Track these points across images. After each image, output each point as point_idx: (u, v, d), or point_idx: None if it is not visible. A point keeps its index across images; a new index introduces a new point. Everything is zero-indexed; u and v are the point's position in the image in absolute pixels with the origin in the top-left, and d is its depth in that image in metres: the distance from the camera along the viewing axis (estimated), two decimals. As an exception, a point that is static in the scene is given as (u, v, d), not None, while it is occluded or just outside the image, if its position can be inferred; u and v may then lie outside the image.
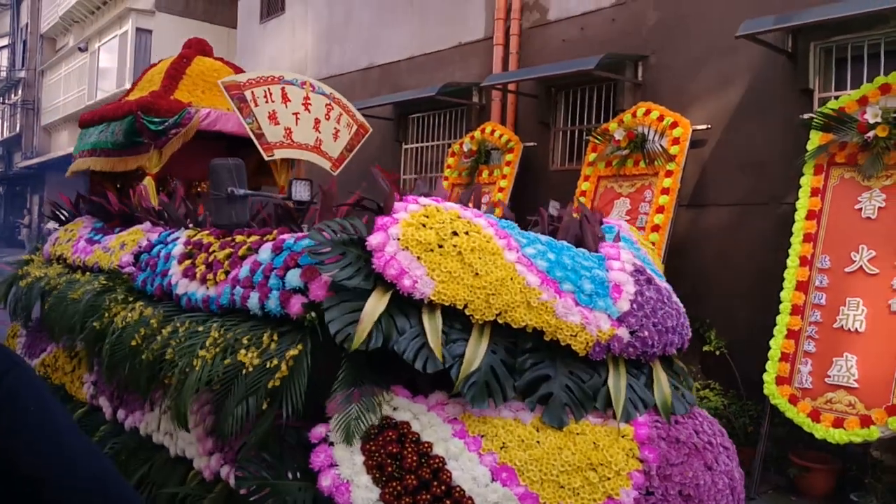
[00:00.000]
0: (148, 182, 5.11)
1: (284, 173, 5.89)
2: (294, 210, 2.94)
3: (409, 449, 2.43)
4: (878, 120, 4.77)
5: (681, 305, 2.95)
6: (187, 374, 2.81)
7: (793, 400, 4.84)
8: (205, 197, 5.75)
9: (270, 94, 3.11)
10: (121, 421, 3.72)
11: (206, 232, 3.54)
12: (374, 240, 2.59)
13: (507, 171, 7.53)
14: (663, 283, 2.92)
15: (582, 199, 6.41)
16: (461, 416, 2.56)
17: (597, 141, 6.69)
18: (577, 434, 2.53)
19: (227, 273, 3.07)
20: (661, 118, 6.26)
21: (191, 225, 3.79)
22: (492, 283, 2.55)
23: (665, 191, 6.09)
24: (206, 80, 5.55)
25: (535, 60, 7.98)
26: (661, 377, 2.75)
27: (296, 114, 3.23)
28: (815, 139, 5.17)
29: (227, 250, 3.16)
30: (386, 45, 10.28)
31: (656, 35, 6.86)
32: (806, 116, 5.41)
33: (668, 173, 6.11)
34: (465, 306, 2.54)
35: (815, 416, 4.67)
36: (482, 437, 2.51)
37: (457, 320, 2.59)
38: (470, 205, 2.95)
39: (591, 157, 6.80)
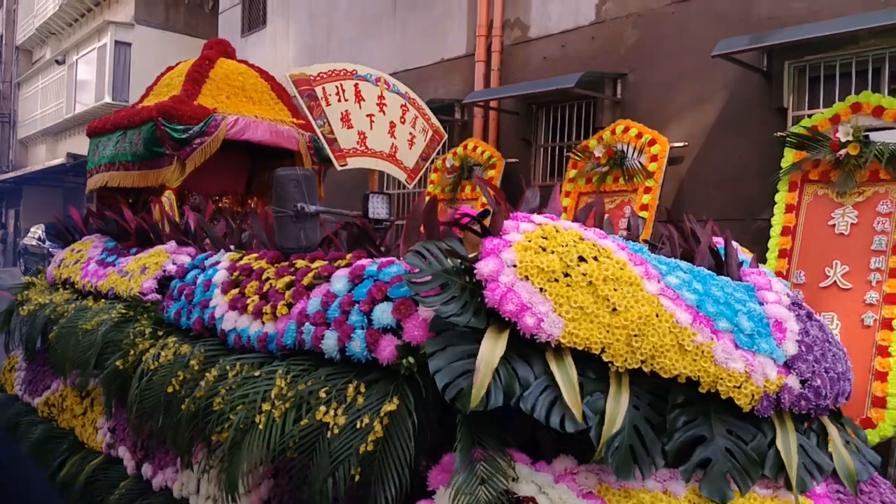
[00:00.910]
0: (168, 196, 4.59)
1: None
2: (372, 230, 2.43)
3: (541, 534, 1.92)
4: (850, 138, 4.90)
5: (842, 344, 2.46)
6: (245, 432, 2.29)
7: (771, 413, 4.68)
8: (226, 212, 5.22)
9: (343, 90, 2.60)
10: (147, 477, 3.18)
11: (254, 255, 3.01)
12: (485, 267, 2.09)
13: None
14: (823, 319, 2.42)
15: (563, 215, 6.31)
16: (597, 489, 2.04)
17: (577, 158, 6.73)
18: (747, 511, 2.02)
19: (289, 306, 2.54)
20: (639, 135, 6.32)
21: (232, 247, 3.26)
22: (634, 322, 2.04)
23: (644, 207, 6.10)
24: (230, 85, 5.05)
25: (516, 77, 8.03)
26: (834, 435, 2.25)
27: (370, 115, 2.73)
28: (790, 157, 5.28)
29: (287, 278, 2.64)
30: (368, 61, 9.93)
31: (635, 53, 6.92)
32: (780, 134, 5.49)
33: (647, 190, 6.14)
34: (602, 350, 2.03)
35: (793, 429, 4.53)
36: (628, 516, 2.00)
37: (587, 367, 2.08)
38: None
39: (571, 173, 6.82)
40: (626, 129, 6.42)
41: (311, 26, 11.39)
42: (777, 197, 5.28)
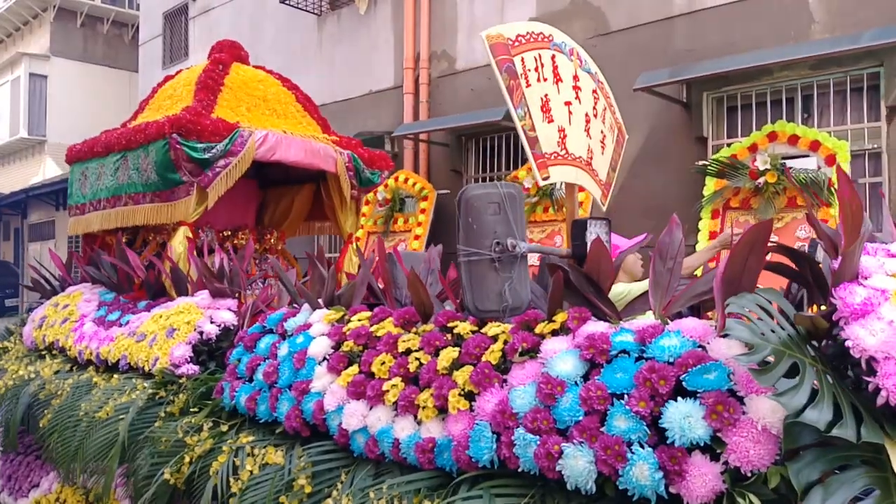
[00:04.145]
0: (185, 234, 3.63)
1: (351, 216, 4.48)
2: (611, 273, 1.56)
3: None
4: (768, 166, 5.03)
5: None
6: None
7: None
8: (242, 252, 4.26)
9: (542, 65, 1.74)
10: None
11: (366, 313, 2.11)
12: (868, 337, 1.26)
13: (423, 218, 7.43)
14: None
15: None
16: None
17: None
18: None
19: (468, 397, 1.66)
20: None
21: (321, 300, 2.33)
22: None
23: (573, 236, 5.92)
24: (250, 94, 4.14)
25: (444, 108, 8.05)
26: None
27: (568, 104, 1.85)
28: (711, 185, 5.42)
29: (450, 351, 1.75)
30: (295, 93, 9.86)
31: None
32: (701, 163, 5.62)
33: (576, 219, 6.01)
34: None
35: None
36: None
37: None
38: None
39: None
40: (556, 160, 6.48)
41: (235, 58, 10.98)
42: (700, 224, 5.35)
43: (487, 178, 7.73)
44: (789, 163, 5.04)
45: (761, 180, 5.08)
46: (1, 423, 3.63)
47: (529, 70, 1.78)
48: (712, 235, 5.25)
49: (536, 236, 6.54)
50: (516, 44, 1.77)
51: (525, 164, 6.67)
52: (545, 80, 1.84)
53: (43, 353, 3.80)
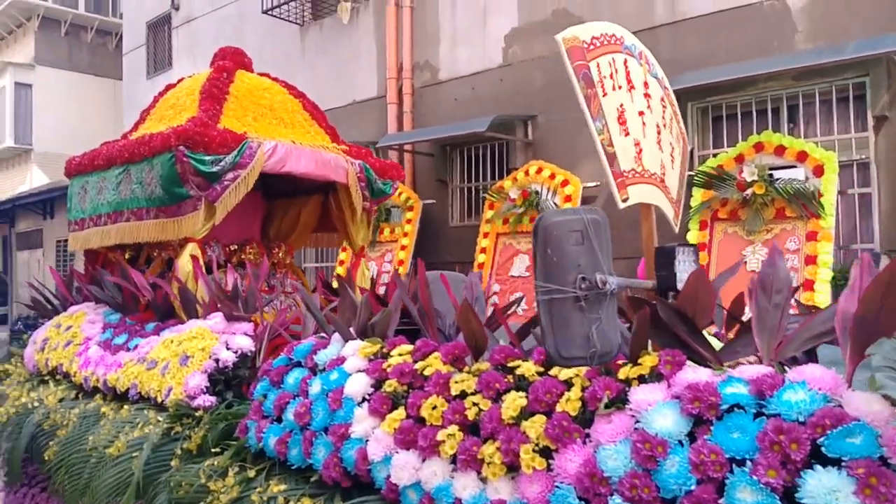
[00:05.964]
0: (192, 250, 3.41)
1: (363, 229, 4.26)
2: (709, 308, 1.36)
3: None
4: (755, 178, 4.99)
5: None
6: None
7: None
8: (253, 268, 4.03)
9: (615, 70, 1.53)
10: None
11: (406, 347, 1.90)
12: None
13: (409, 228, 7.50)
14: None
15: (482, 256, 6.68)
16: None
17: (493, 198, 6.76)
18: None
19: (542, 452, 1.45)
20: (552, 176, 6.38)
21: (352, 329, 2.11)
22: None
23: (561, 247, 5.90)
24: (256, 103, 3.92)
25: (428, 118, 8.12)
26: None
27: (641, 114, 1.64)
28: (698, 196, 5.37)
29: (515, 398, 1.54)
30: (277, 101, 9.89)
31: (543, 95, 6.99)
32: (688, 173, 5.27)
33: (563, 229, 6.01)
34: None
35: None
36: None
37: None
38: None
39: (488, 214, 6.86)
40: (540, 170, 6.47)
41: (218, 68, 10.86)
42: (689, 236, 5.30)
43: (473, 188, 7.77)
44: (777, 174, 4.98)
45: (749, 191, 5.02)
46: (3, 454, 3.41)
47: (605, 77, 1.58)
48: (701, 247, 5.21)
49: (524, 247, 6.56)
50: (591, 47, 1.56)
51: (510, 174, 6.75)
52: (619, 87, 1.63)
53: (46, 377, 3.58)
